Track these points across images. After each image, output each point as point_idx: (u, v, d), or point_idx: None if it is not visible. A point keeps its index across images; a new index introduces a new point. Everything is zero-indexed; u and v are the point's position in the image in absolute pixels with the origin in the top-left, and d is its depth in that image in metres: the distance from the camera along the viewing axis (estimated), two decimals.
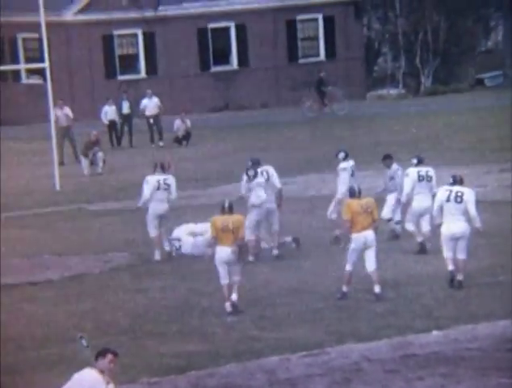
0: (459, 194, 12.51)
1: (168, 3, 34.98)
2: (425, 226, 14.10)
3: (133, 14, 34.43)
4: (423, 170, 14.26)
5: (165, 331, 11.59)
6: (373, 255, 12.27)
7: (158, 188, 14.71)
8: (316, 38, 36.92)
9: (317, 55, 37.06)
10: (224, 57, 35.98)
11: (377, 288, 12.20)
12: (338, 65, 36.95)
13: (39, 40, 22.76)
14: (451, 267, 12.55)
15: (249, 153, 18.38)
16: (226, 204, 12.30)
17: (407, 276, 13.24)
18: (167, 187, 14.74)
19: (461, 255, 12.51)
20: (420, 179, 14.14)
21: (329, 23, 36.87)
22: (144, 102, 27.79)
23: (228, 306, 12.06)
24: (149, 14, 34.75)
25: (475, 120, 27.98)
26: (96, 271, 14.51)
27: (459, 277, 12.53)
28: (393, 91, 38.02)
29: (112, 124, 27.48)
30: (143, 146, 26.76)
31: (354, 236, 12.17)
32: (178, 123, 27.42)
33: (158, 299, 12.96)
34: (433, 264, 13.48)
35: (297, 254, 14.64)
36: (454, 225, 12.49)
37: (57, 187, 21.73)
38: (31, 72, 33.38)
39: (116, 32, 34.59)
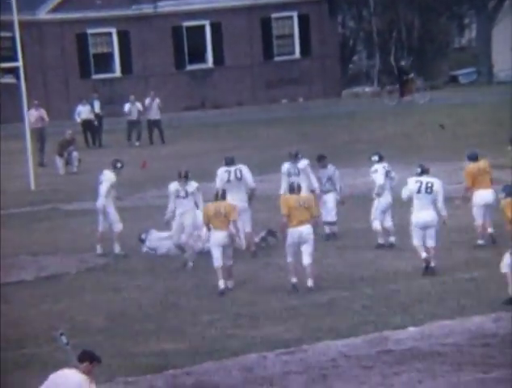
0: (429, 185, 12.93)
1: (142, 2, 34.88)
2: (388, 222, 14.38)
3: (107, 13, 34.30)
4: (386, 166, 14.54)
5: (141, 330, 11.57)
6: (309, 249, 12.52)
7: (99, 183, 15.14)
8: (291, 36, 36.96)
9: (292, 53, 37.10)
10: (199, 56, 35.93)
11: (310, 282, 12.48)
12: (313, 63, 37.01)
13: (13, 38, 22.60)
14: (424, 254, 12.84)
15: (225, 152, 18.38)
16: (220, 192, 13.12)
17: (383, 273, 13.29)
18: (101, 182, 14.99)
19: (431, 243, 12.85)
20: (386, 175, 14.35)
21: (303, 20, 36.93)
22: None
23: (221, 284, 12.57)
24: (124, 12, 34.63)
25: (449, 117, 28.13)
26: (72, 271, 14.45)
27: (432, 264, 12.79)
28: (368, 89, 38.16)
29: (86, 123, 27.38)
30: (116, 145, 26.67)
31: (290, 230, 12.47)
32: (148, 101, 27.51)
33: (135, 298, 12.93)
34: (409, 260, 13.55)
35: (272, 252, 14.65)
36: (424, 214, 12.86)
37: (32, 186, 21.61)
38: (4, 71, 33.15)
39: (90, 31, 34.44)
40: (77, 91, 31.71)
